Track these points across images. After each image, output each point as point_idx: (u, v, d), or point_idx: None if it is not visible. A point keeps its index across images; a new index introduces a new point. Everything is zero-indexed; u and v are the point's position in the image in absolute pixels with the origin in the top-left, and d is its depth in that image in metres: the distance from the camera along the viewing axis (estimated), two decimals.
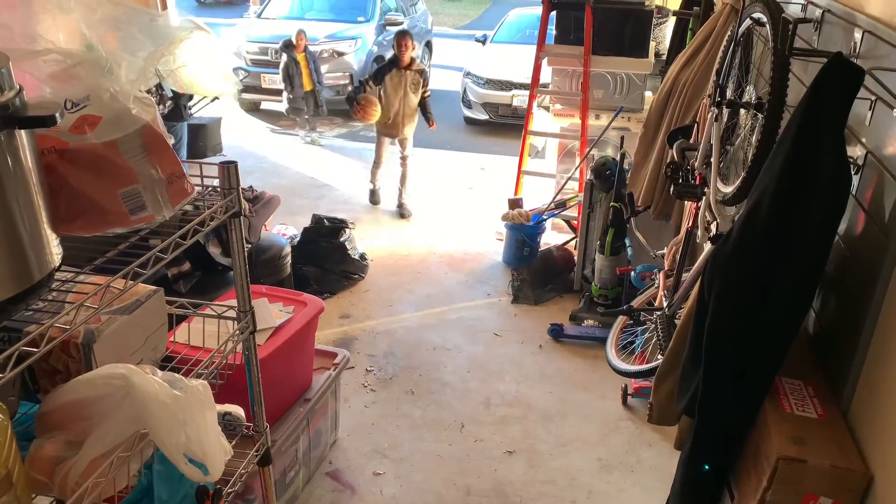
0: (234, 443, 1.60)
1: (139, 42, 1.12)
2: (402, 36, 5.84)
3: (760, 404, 1.64)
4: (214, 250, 3.44)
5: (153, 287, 1.38)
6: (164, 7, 5.74)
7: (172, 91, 5.21)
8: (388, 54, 6.39)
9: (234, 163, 1.36)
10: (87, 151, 1.08)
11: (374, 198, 6.29)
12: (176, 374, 1.18)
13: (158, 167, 1.17)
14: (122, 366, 1.12)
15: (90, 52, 1.09)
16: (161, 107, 5.17)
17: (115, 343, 1.26)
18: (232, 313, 1.54)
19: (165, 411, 1.05)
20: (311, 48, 7.88)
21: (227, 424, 1.62)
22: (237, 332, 1.51)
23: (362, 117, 5.84)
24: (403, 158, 6.09)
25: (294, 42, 7.62)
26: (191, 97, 5.66)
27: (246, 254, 2.54)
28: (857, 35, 1.74)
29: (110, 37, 1.10)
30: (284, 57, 7.70)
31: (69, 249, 1.21)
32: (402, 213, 6.09)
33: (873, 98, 1.61)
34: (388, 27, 9.41)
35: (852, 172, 1.64)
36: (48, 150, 1.06)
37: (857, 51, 1.74)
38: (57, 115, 0.89)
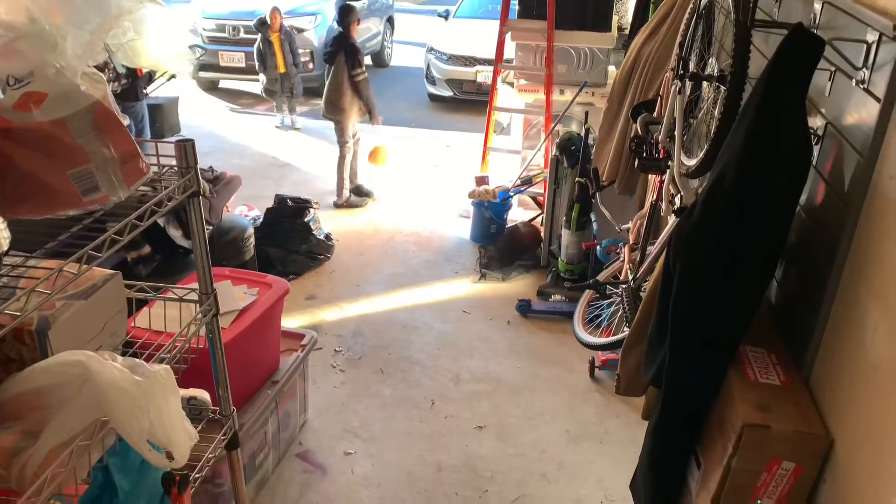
0: (200, 427, 1.57)
1: (85, 14, 1.06)
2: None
3: (725, 373, 1.66)
4: (175, 233, 3.36)
5: (110, 271, 1.33)
6: None
7: (126, 69, 5.04)
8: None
9: (190, 141, 1.31)
10: (34, 130, 1.03)
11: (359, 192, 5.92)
12: (137, 360, 1.15)
13: (111, 146, 1.12)
14: (79, 352, 1.08)
15: (33, 25, 1.03)
16: (115, 84, 5.00)
17: (71, 329, 1.21)
18: (194, 296, 1.50)
19: (126, 398, 1.02)
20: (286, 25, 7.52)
21: (193, 409, 1.59)
22: (199, 315, 1.48)
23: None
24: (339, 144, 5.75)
25: (268, 21, 7.26)
26: (150, 79, 5.49)
27: (207, 235, 2.49)
28: (817, 6, 1.75)
29: (55, 9, 1.05)
30: (259, 36, 7.39)
31: (20, 233, 1.16)
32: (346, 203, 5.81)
33: (833, 69, 1.63)
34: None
35: (813, 143, 1.66)
36: None
37: (817, 21, 1.75)
38: None
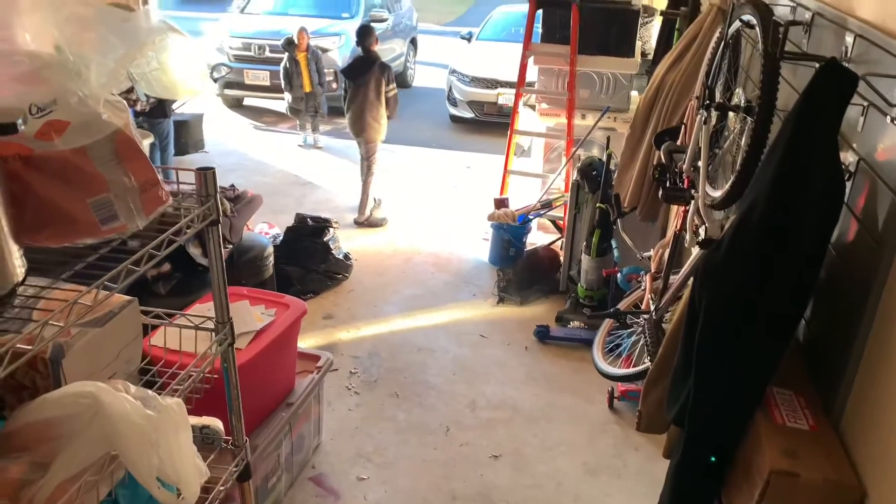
0: (212, 457, 1.55)
1: (110, 44, 1.06)
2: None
3: (752, 416, 1.61)
4: (195, 251, 3.37)
5: (127, 297, 1.32)
6: (146, 2, 5.64)
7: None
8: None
9: (211, 169, 1.30)
10: (55, 158, 1.03)
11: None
12: (150, 392, 1.13)
13: (131, 174, 1.11)
14: (91, 383, 1.07)
15: (58, 54, 1.03)
16: (143, 103, 5.08)
17: (85, 357, 1.20)
18: (210, 324, 1.49)
19: (137, 432, 1.00)
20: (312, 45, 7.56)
21: (206, 437, 1.57)
22: (215, 343, 1.46)
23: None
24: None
25: (295, 41, 7.31)
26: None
27: (224, 261, 2.46)
28: (849, 39, 1.72)
29: (80, 39, 1.04)
30: (285, 56, 7.45)
31: (39, 257, 1.15)
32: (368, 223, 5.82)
33: (866, 104, 1.59)
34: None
35: (845, 180, 1.62)
36: (12, 156, 1.00)
37: (849, 55, 1.71)
38: (19, 122, 0.84)
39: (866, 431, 1.47)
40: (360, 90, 5.54)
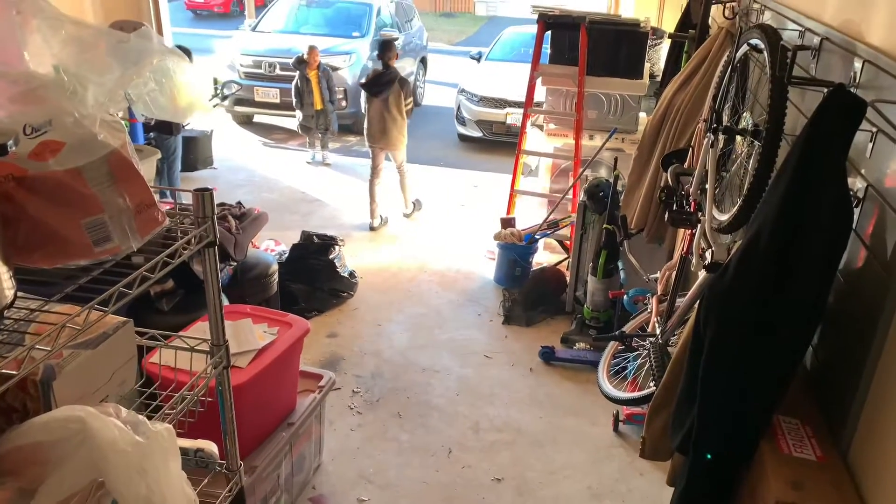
0: (205, 481, 1.52)
1: (108, 65, 1.06)
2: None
3: (757, 445, 1.57)
4: (198, 268, 3.35)
5: (122, 319, 1.30)
6: (158, 19, 5.70)
7: None
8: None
9: (209, 190, 1.29)
10: (48, 179, 1.02)
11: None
12: (140, 416, 1.11)
13: (126, 196, 1.10)
14: (80, 408, 1.05)
15: (55, 73, 1.03)
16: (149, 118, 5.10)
17: (77, 379, 1.18)
18: (205, 346, 1.47)
19: (125, 460, 0.98)
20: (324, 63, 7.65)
21: (199, 461, 1.55)
22: (210, 367, 1.44)
23: None
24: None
25: (306, 59, 7.39)
26: None
27: (228, 278, 2.46)
28: (857, 65, 1.70)
29: (77, 59, 1.04)
30: (297, 74, 7.52)
31: (31, 276, 1.14)
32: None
33: (875, 130, 1.57)
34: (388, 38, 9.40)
35: (853, 206, 1.59)
36: (5, 177, 0.99)
37: (857, 80, 1.69)
38: (10, 143, 0.83)
39: (875, 462, 1.43)
40: (380, 104, 5.78)
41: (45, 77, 1.02)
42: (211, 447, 1.57)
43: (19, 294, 1.10)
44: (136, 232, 1.12)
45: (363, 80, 6.18)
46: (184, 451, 1.37)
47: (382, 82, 5.74)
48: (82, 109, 1.03)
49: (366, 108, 5.94)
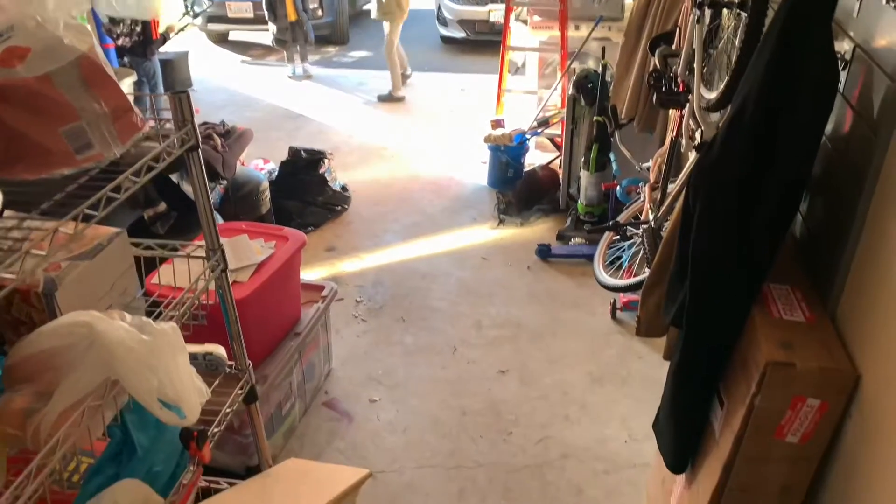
0: (217, 382, 1.58)
1: None
2: None
3: (748, 312, 1.62)
4: (189, 187, 3.34)
5: (115, 229, 1.31)
6: None
7: (142, 27, 4.98)
8: None
9: (185, 92, 1.27)
10: (20, 87, 1.00)
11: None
12: (145, 318, 1.14)
13: (102, 101, 1.08)
14: (85, 313, 1.07)
15: None
16: (125, 38, 4.95)
17: (78, 290, 1.21)
18: (201, 252, 1.49)
19: (133, 357, 1.02)
20: None
21: (209, 364, 1.60)
22: (207, 270, 1.46)
23: None
24: None
25: None
26: (164, 40, 5.45)
27: (220, 197, 2.44)
28: None
29: None
30: None
31: (18, 195, 1.14)
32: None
33: None
34: None
35: (840, 68, 1.57)
36: None
37: None
38: None
39: (860, 319, 1.48)
40: None
41: None
42: (219, 350, 1.62)
43: (9, 211, 1.10)
44: (116, 138, 1.11)
45: None
46: (193, 356, 1.41)
47: None
48: (42, 13, 1.00)
49: None
